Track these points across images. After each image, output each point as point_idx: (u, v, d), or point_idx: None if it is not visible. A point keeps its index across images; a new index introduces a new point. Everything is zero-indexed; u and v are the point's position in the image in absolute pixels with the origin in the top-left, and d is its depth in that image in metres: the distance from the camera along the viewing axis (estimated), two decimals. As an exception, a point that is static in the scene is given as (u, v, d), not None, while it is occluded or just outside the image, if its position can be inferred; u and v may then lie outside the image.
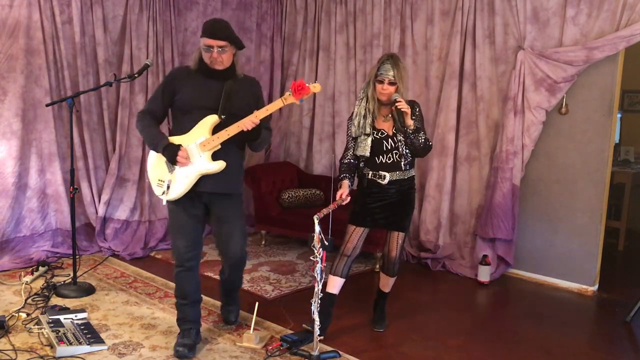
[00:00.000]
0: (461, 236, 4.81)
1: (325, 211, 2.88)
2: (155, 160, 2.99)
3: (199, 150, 2.84)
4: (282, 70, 6.08)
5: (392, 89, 3.10)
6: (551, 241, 4.46)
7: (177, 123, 2.96)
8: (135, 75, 3.84)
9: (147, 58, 4.87)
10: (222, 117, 2.84)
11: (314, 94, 5.78)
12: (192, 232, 2.99)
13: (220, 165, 2.86)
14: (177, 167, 2.87)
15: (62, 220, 4.61)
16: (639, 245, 5.94)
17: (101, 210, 4.78)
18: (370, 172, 3.22)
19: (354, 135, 3.23)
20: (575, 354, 3.24)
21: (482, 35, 4.56)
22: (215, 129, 2.85)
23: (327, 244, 2.78)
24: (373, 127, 3.20)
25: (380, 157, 3.20)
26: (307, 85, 2.80)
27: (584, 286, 4.32)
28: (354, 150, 3.24)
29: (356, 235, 3.26)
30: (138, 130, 3.01)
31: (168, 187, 2.88)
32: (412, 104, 3.21)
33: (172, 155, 2.83)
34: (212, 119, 2.84)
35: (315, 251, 2.76)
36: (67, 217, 4.57)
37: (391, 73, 3.07)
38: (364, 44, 5.34)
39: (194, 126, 2.86)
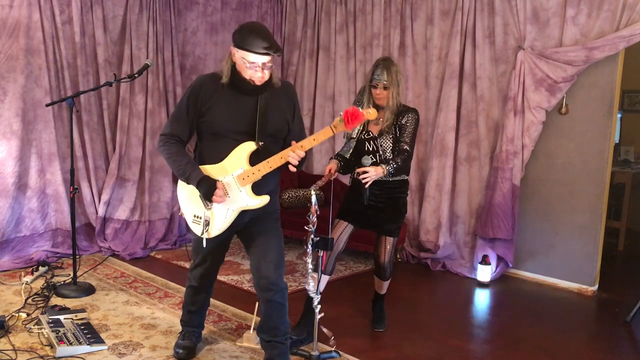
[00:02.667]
0: (461, 236, 4.81)
1: (320, 183, 2.91)
2: (187, 192, 2.64)
3: (238, 184, 2.51)
4: (282, 70, 6.07)
5: (386, 93, 3.12)
6: (551, 241, 4.46)
7: (207, 148, 2.59)
8: (135, 75, 3.84)
9: (147, 58, 4.87)
10: (260, 144, 2.49)
11: (315, 95, 5.82)
12: (215, 260, 2.84)
13: (263, 200, 2.54)
14: (215, 203, 2.55)
15: (62, 220, 4.61)
16: (639, 245, 5.94)
17: (101, 210, 4.78)
18: (356, 172, 3.23)
19: (344, 138, 3.31)
20: (575, 354, 3.24)
21: (482, 35, 4.56)
22: (252, 156, 2.51)
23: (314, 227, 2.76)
24: (363, 129, 3.23)
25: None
26: (361, 111, 2.49)
27: (584, 286, 4.32)
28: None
29: (339, 229, 3.24)
30: (163, 156, 2.61)
31: (207, 225, 2.57)
32: (405, 112, 3.16)
33: (208, 192, 2.48)
34: (249, 148, 2.49)
35: (311, 223, 2.74)
36: (67, 217, 4.57)
37: (384, 77, 3.09)
38: (364, 44, 5.34)
39: (227, 154, 2.51)
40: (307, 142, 2.50)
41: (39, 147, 4.48)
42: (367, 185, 2.97)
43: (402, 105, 3.20)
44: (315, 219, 2.76)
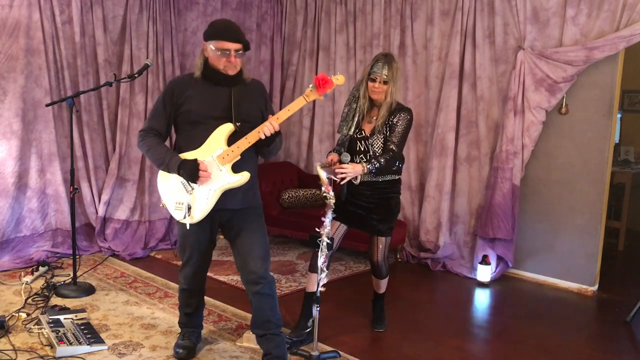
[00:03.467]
0: (461, 236, 4.81)
1: (325, 162, 2.97)
2: (167, 181, 2.66)
3: (218, 163, 2.56)
4: (282, 70, 6.08)
5: (384, 87, 3.08)
6: (551, 241, 4.46)
7: (185, 137, 2.66)
8: (135, 75, 3.84)
9: (147, 58, 4.87)
10: (238, 124, 2.58)
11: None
12: (203, 256, 2.84)
13: (244, 177, 2.59)
14: (196, 186, 2.58)
15: (62, 220, 4.61)
16: (639, 245, 5.95)
17: (101, 210, 4.78)
18: (334, 168, 3.19)
19: (340, 134, 3.28)
20: (575, 354, 3.24)
21: (482, 35, 4.56)
22: (230, 139, 2.59)
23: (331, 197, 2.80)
24: (357, 128, 3.19)
25: (355, 157, 3.15)
26: (329, 77, 2.64)
27: (584, 286, 4.32)
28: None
29: (332, 229, 3.16)
30: (142, 151, 2.68)
31: (189, 209, 2.60)
32: (398, 111, 3.13)
33: (192, 171, 2.51)
34: (227, 128, 2.58)
35: (329, 199, 2.80)
36: (67, 217, 4.57)
37: (385, 72, 3.06)
38: (364, 44, 5.34)
39: (205, 139, 2.58)
40: (283, 113, 2.61)
41: (39, 147, 4.48)
42: (342, 182, 2.95)
43: (397, 104, 3.17)
44: (332, 193, 2.79)
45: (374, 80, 3.09)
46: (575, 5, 4.12)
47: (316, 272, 3.05)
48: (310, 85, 2.64)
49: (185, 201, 2.61)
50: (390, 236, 3.30)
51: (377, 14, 5.19)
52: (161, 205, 2.76)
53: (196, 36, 5.34)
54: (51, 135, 4.50)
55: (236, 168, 2.60)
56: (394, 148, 3.08)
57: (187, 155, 2.59)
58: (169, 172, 2.60)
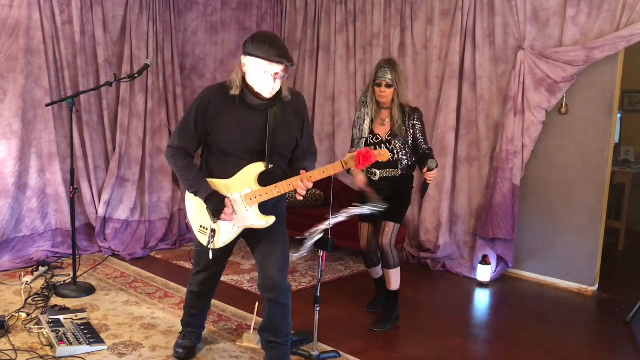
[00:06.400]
0: (461, 236, 4.81)
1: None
2: (194, 203, 2.63)
3: (245, 203, 2.52)
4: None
5: (389, 91, 3.31)
6: (551, 241, 4.46)
7: (214, 162, 2.57)
8: (135, 75, 3.84)
9: (147, 58, 4.87)
10: (270, 166, 2.49)
11: (315, 95, 5.82)
12: (218, 267, 2.85)
13: (269, 221, 2.55)
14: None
15: (62, 220, 4.61)
16: (639, 245, 5.95)
17: (101, 210, 4.78)
18: (366, 169, 3.39)
19: (354, 138, 3.49)
20: (575, 354, 3.24)
21: (482, 35, 4.56)
22: (260, 175, 2.51)
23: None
24: (370, 131, 3.42)
25: None
26: (372, 152, 2.46)
27: (584, 286, 4.32)
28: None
29: (364, 231, 3.51)
30: (172, 167, 2.60)
31: (213, 237, 2.59)
32: (412, 113, 3.39)
33: (216, 209, 2.47)
34: (258, 168, 2.49)
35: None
36: (67, 217, 4.57)
37: (389, 76, 3.29)
38: (364, 44, 5.34)
39: (235, 171, 2.50)
40: (317, 174, 2.49)
41: (39, 147, 4.48)
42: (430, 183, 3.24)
43: (407, 105, 3.40)
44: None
45: (379, 85, 3.32)
46: (575, 5, 4.12)
47: (372, 267, 3.66)
48: (352, 155, 2.50)
49: (209, 227, 2.59)
50: (399, 223, 3.45)
51: (377, 14, 5.19)
52: (186, 221, 2.75)
53: (196, 36, 5.34)
54: (51, 135, 4.50)
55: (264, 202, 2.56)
56: (426, 147, 3.36)
57: (217, 184, 2.52)
58: (196, 196, 2.54)
